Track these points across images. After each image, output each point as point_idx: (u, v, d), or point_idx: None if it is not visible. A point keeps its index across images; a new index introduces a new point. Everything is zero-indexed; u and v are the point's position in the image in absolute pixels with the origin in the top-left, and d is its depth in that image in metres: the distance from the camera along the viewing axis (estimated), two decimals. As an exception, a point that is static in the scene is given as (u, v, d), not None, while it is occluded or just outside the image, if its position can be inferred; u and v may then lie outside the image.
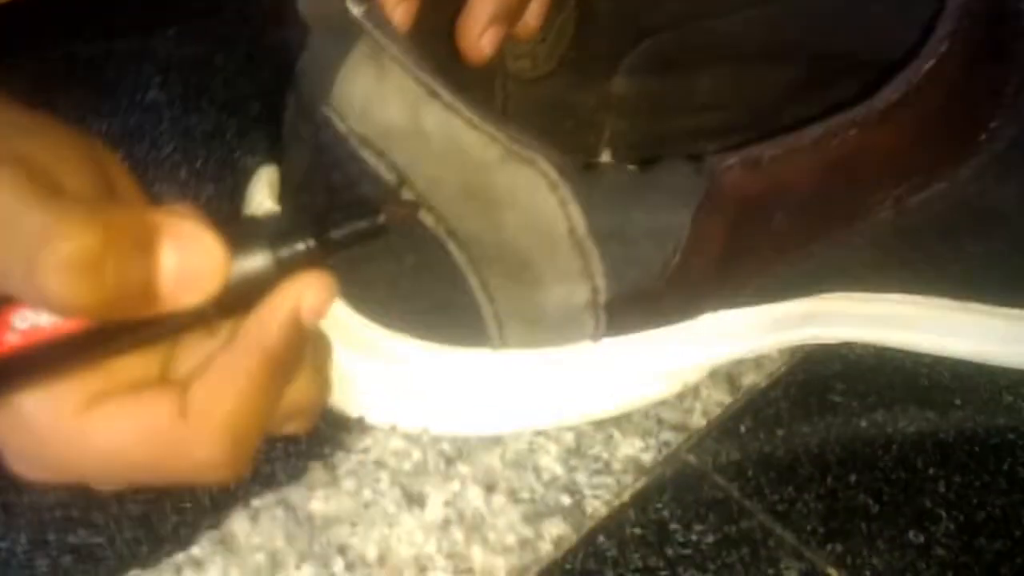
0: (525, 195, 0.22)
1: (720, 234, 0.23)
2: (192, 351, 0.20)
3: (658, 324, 0.25)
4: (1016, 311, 0.26)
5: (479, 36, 0.24)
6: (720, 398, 0.28)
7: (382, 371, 0.24)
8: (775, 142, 0.22)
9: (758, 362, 0.29)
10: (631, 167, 0.25)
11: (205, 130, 0.34)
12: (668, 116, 0.31)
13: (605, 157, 0.32)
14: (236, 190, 0.32)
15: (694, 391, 0.28)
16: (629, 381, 0.26)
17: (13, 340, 0.18)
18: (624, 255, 0.23)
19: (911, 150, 0.23)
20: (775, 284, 0.25)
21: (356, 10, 0.21)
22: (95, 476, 0.20)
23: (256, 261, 0.19)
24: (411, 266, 0.23)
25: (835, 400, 0.28)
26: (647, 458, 0.26)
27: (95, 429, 0.19)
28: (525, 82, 0.28)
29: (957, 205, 0.24)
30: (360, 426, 0.26)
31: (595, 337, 0.25)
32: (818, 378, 0.29)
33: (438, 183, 0.22)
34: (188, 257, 0.18)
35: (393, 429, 0.26)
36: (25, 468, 0.20)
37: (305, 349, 0.21)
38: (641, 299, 0.24)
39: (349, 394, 0.25)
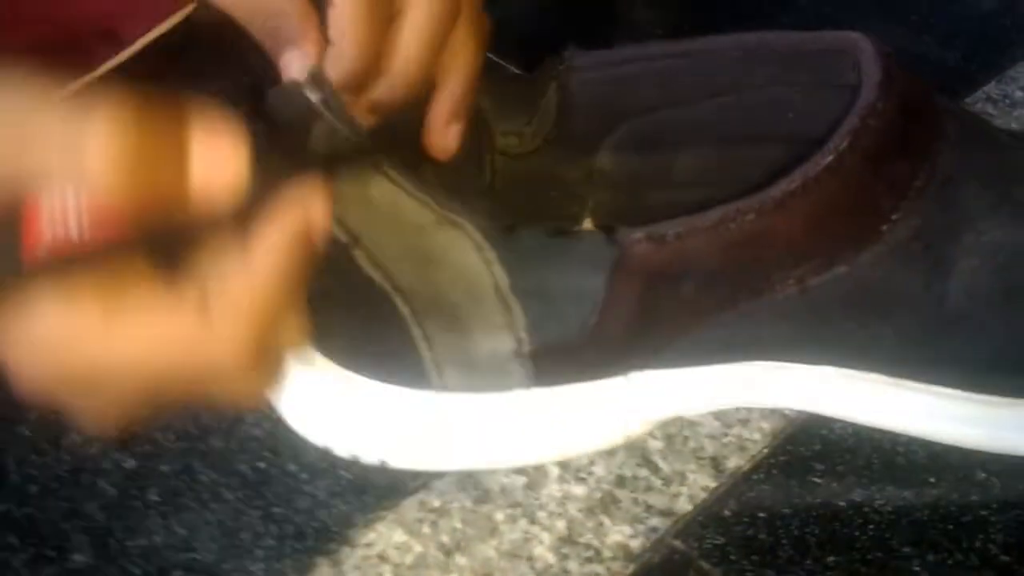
0: (454, 255, 0.25)
1: (633, 298, 0.25)
2: (214, 258, 0.21)
3: (588, 377, 0.27)
4: (943, 389, 0.27)
5: (443, 134, 0.27)
6: (705, 483, 0.29)
7: (344, 407, 0.27)
8: (678, 220, 0.25)
9: (741, 445, 0.30)
10: (551, 234, 0.26)
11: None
12: (648, 191, 0.32)
13: (587, 225, 0.34)
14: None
15: (680, 476, 0.30)
16: (567, 430, 0.28)
17: (41, 245, 0.19)
18: (544, 311, 0.26)
19: (808, 235, 0.25)
20: (694, 349, 0.27)
21: (313, 96, 0.24)
22: (115, 387, 0.21)
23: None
24: (364, 316, 0.26)
25: (815, 481, 0.29)
26: (635, 544, 0.28)
27: (118, 334, 0.20)
28: (513, 157, 0.31)
29: (859, 288, 0.25)
30: (364, 521, 0.27)
31: (526, 385, 0.27)
32: (799, 459, 0.29)
33: (383, 244, 0.25)
34: (215, 155, 0.19)
35: (396, 522, 0.27)
36: (39, 382, 0.20)
37: (307, 269, 0.21)
38: (564, 352, 0.26)
39: (316, 427, 0.28)
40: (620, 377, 0.27)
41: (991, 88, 0.47)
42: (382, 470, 0.29)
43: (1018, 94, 0.47)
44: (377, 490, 0.28)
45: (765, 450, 0.30)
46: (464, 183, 0.30)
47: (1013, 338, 0.26)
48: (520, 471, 0.29)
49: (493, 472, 0.29)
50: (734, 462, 0.29)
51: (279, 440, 0.29)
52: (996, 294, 0.25)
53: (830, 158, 0.24)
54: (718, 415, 0.30)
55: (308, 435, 0.28)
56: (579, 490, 0.29)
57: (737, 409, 0.30)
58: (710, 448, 0.30)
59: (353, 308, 0.26)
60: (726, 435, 0.30)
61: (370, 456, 0.28)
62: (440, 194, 0.25)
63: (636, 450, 0.30)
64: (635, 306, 0.25)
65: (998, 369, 0.26)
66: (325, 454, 0.29)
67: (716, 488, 0.29)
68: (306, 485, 0.28)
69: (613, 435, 0.28)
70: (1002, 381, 0.27)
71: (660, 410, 0.29)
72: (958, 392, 0.27)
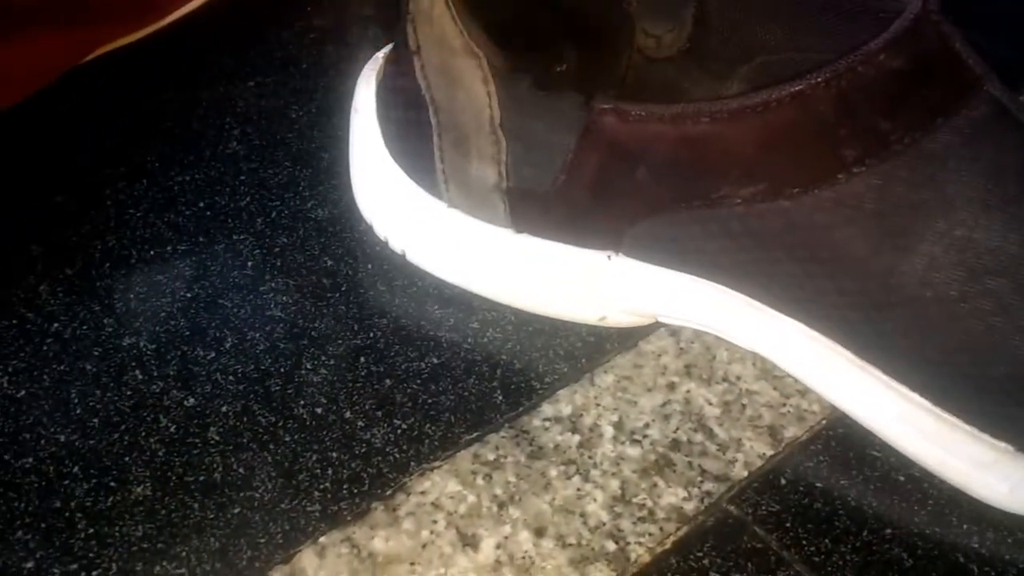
0: (468, 80, 0.28)
1: (595, 165, 0.27)
2: None
3: (565, 239, 0.29)
4: (905, 390, 0.26)
5: None
6: (762, 450, 0.29)
7: (385, 194, 0.32)
8: (643, 105, 0.26)
9: (800, 415, 0.30)
10: (541, 86, 0.29)
11: (280, 181, 0.37)
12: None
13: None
14: (307, 240, 0.34)
15: (736, 443, 0.29)
16: (546, 285, 0.30)
17: None
18: (523, 154, 0.28)
19: (759, 156, 0.24)
20: (653, 243, 0.28)
21: None
22: None
23: None
24: (410, 120, 0.30)
25: (874, 454, 0.29)
26: (690, 507, 0.28)
27: None
28: (648, 59, 0.33)
29: (801, 228, 0.25)
30: (419, 470, 0.28)
31: (507, 223, 0.30)
32: (857, 433, 0.29)
33: (431, 57, 0.29)
34: None
35: (450, 472, 0.28)
36: None
37: None
38: (536, 200, 0.28)
39: (365, 206, 0.33)
40: (601, 256, 0.29)
41: None
42: (434, 423, 0.29)
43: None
44: (432, 440, 0.28)
45: (824, 421, 0.29)
46: (601, 72, 0.33)
47: (965, 346, 0.25)
48: (574, 430, 0.29)
49: (547, 429, 0.29)
50: (792, 432, 0.29)
51: (336, 387, 0.30)
52: (952, 292, 0.24)
53: (798, 87, 0.24)
54: (776, 384, 0.30)
55: (361, 210, 0.34)
56: (633, 451, 0.29)
57: (796, 380, 0.30)
58: (767, 417, 0.30)
59: (406, 108, 0.30)
60: (784, 405, 0.30)
61: (396, 244, 0.32)
62: (474, 25, 0.28)
63: (692, 416, 0.30)
64: (596, 173, 0.27)
65: (945, 379, 0.25)
66: (378, 405, 0.29)
67: (773, 456, 0.29)
68: (362, 432, 0.28)
69: (591, 311, 0.31)
70: (956, 398, 0.25)
71: (638, 304, 0.30)
72: (916, 397, 0.26)
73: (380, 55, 0.34)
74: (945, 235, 0.24)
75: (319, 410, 0.29)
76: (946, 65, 0.24)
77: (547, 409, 0.29)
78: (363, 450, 0.28)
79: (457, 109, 0.29)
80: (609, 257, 0.29)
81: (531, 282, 0.31)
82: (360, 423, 0.29)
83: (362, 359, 0.31)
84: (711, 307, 0.29)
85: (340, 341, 0.31)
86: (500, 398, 0.30)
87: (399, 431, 0.29)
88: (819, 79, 0.24)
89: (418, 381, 0.30)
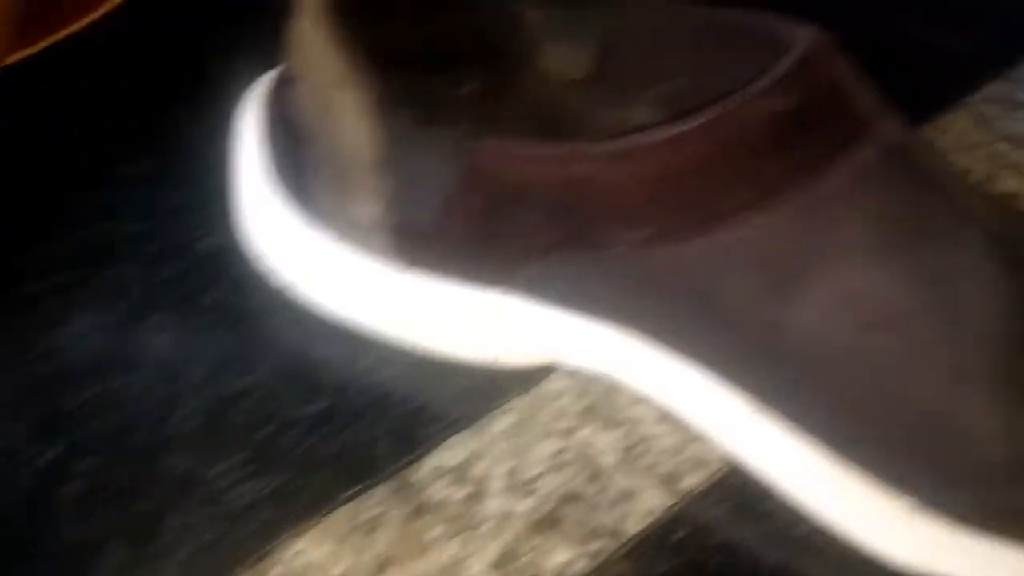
0: (348, 112, 0.26)
1: (478, 204, 0.25)
2: None
3: (455, 277, 0.28)
4: (807, 440, 0.25)
5: None
6: (659, 502, 0.28)
7: (271, 222, 0.30)
8: (525, 143, 0.25)
9: (700, 461, 0.29)
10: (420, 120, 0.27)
11: (171, 206, 0.35)
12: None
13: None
14: (194, 271, 0.32)
15: (631, 494, 0.28)
16: (438, 322, 0.29)
17: None
18: (405, 191, 0.27)
19: (640, 202, 0.23)
20: (543, 285, 0.27)
21: None
22: None
23: None
24: (290, 149, 0.29)
25: (774, 505, 0.28)
26: (579, 567, 0.26)
27: None
28: (554, 82, 0.31)
29: (688, 274, 0.24)
30: (291, 531, 0.26)
31: (393, 260, 0.28)
32: (758, 481, 0.28)
33: (310, 86, 0.28)
34: None
35: (325, 533, 0.26)
36: None
37: None
38: (419, 237, 0.27)
39: (251, 235, 0.31)
40: (495, 294, 0.28)
41: (992, 89, 0.45)
42: (310, 478, 0.27)
43: (1021, 95, 0.45)
44: (307, 497, 0.27)
45: (724, 468, 0.28)
46: (505, 93, 0.32)
47: (857, 399, 0.23)
48: (462, 481, 0.27)
49: (434, 481, 0.27)
50: (690, 480, 0.28)
51: (208, 438, 0.28)
52: (843, 344, 0.23)
53: (680, 130, 0.22)
54: (678, 427, 0.29)
55: (247, 240, 0.32)
56: (523, 505, 0.27)
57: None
58: (666, 464, 0.28)
59: (288, 137, 0.29)
60: (684, 450, 0.29)
61: (285, 277, 0.31)
62: (354, 55, 0.26)
63: (588, 464, 0.28)
64: (480, 212, 0.26)
65: (842, 431, 0.24)
66: (252, 458, 0.27)
67: (670, 508, 0.27)
68: (231, 490, 0.27)
69: (487, 350, 0.29)
70: (853, 450, 0.24)
71: (535, 344, 0.29)
72: (815, 448, 0.25)
73: (268, 76, 0.32)
74: (834, 285, 0.23)
75: (187, 465, 0.27)
76: (835, 107, 0.23)
77: (436, 458, 0.28)
78: (230, 510, 0.26)
79: (337, 142, 0.27)
80: (503, 296, 0.28)
81: (424, 320, 0.29)
82: (230, 479, 0.27)
83: (240, 405, 0.29)
84: (608, 350, 0.28)
85: (218, 385, 0.29)
86: (386, 447, 0.28)
87: (271, 488, 0.27)
88: (701, 122, 0.22)
89: (298, 429, 0.28)
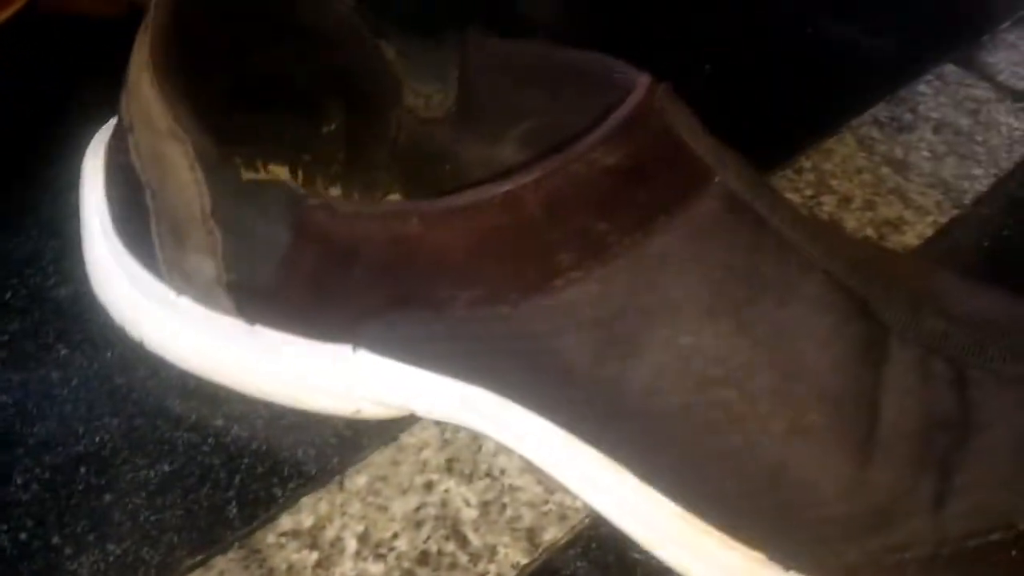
0: (178, 168, 0.25)
1: (310, 262, 0.25)
2: None
3: (302, 332, 0.27)
4: (667, 501, 0.24)
5: None
6: (518, 558, 0.27)
7: (120, 278, 0.29)
8: (353, 203, 0.25)
9: (562, 513, 0.28)
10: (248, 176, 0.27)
11: (23, 254, 0.33)
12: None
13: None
14: (43, 325, 0.31)
15: (491, 550, 0.27)
16: (290, 377, 0.28)
17: None
18: (240, 247, 0.26)
19: (470, 262, 0.23)
20: (386, 342, 0.26)
21: None
22: None
23: None
24: (130, 198, 0.28)
25: (635, 558, 0.27)
26: (432, 626, 0.25)
27: None
28: (419, 120, 0.31)
29: (524, 336, 0.23)
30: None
31: (236, 315, 0.27)
32: (619, 534, 0.27)
33: (142, 138, 0.26)
34: None
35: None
36: None
37: None
38: (257, 293, 0.26)
39: (101, 293, 0.30)
40: (345, 348, 0.27)
41: (879, 110, 0.46)
42: (155, 545, 0.26)
43: (907, 117, 0.45)
44: (148, 568, 0.25)
45: (586, 520, 0.27)
46: (370, 131, 0.32)
47: (698, 458, 0.23)
48: (313, 545, 0.26)
49: (283, 546, 0.26)
50: (551, 534, 0.27)
51: (48, 505, 0.27)
52: (681, 402, 0.22)
53: (506, 189, 0.22)
54: (541, 478, 0.28)
55: (95, 293, 0.30)
56: (376, 568, 0.26)
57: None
58: (528, 517, 0.27)
59: (126, 187, 0.28)
60: (547, 502, 0.28)
61: (133, 331, 0.29)
62: (180, 106, 0.25)
63: (447, 520, 0.27)
64: (312, 271, 0.25)
65: (689, 487, 0.24)
66: (94, 526, 0.26)
67: (529, 564, 0.26)
68: (68, 561, 0.25)
69: (344, 404, 0.28)
70: (702, 505, 0.24)
71: (390, 397, 0.28)
72: (667, 502, 0.24)
73: (110, 123, 0.30)
74: (670, 343, 0.22)
75: (23, 535, 0.26)
76: (670, 158, 0.22)
77: (286, 522, 0.27)
78: (65, 585, 0.25)
79: (169, 195, 0.26)
80: (353, 350, 0.27)
81: (277, 375, 0.28)
82: (68, 549, 0.26)
83: (82, 470, 0.27)
84: (461, 403, 0.27)
85: (61, 448, 0.28)
86: (235, 511, 0.27)
87: (111, 558, 0.26)
88: (528, 179, 0.22)
89: (143, 494, 0.27)
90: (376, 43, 0.31)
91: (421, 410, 0.28)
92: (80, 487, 0.27)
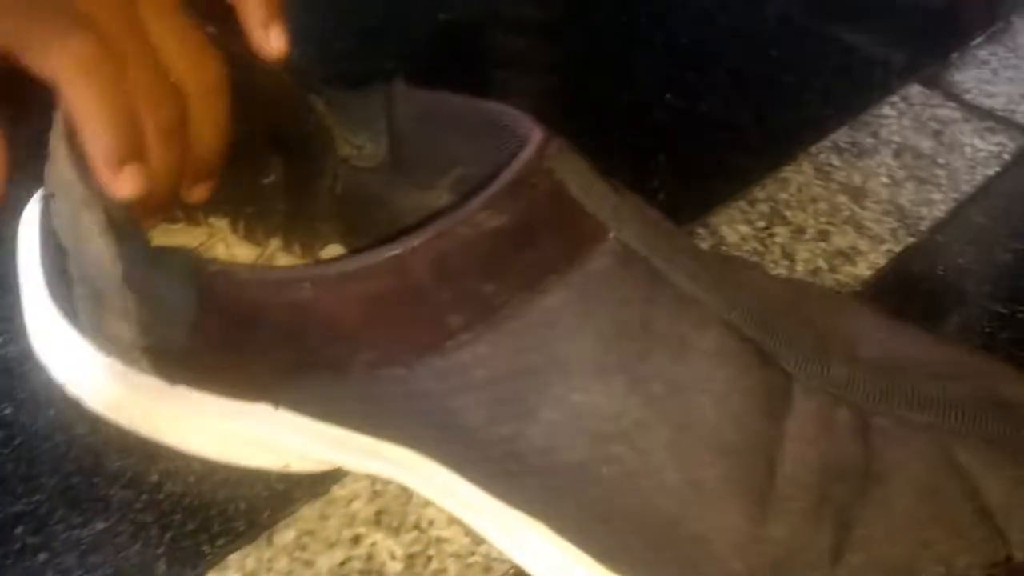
0: (92, 234, 0.26)
1: (216, 326, 0.25)
2: None
3: (213, 390, 0.27)
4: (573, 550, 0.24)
5: (266, 37, 0.28)
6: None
7: (57, 339, 0.30)
8: (252, 269, 0.25)
9: (487, 565, 0.27)
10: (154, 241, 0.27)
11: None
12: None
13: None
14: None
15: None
16: (215, 435, 0.28)
17: None
18: (153, 312, 0.26)
19: (364, 324, 0.23)
20: (303, 403, 0.26)
21: None
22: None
23: None
24: (56, 266, 0.28)
25: None
26: None
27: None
28: (352, 168, 0.32)
29: (421, 396, 0.23)
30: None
31: (158, 377, 0.27)
32: None
33: (60, 210, 0.27)
34: None
35: None
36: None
37: None
38: (173, 357, 0.27)
39: (43, 354, 0.30)
40: (267, 406, 0.27)
41: (840, 134, 0.45)
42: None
43: (868, 141, 0.45)
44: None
45: (512, 570, 0.27)
46: (308, 180, 0.32)
47: (596, 513, 0.23)
48: (238, 602, 0.27)
49: (208, 604, 0.27)
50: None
51: (-19, 568, 0.27)
52: (576, 459, 0.22)
53: (394, 252, 0.22)
54: (468, 531, 0.28)
55: (36, 352, 0.30)
56: (298, 624, 0.26)
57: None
58: (453, 569, 0.28)
59: (53, 253, 0.28)
60: (473, 554, 0.28)
61: (72, 390, 0.30)
62: (86, 172, 0.25)
63: (372, 574, 0.27)
64: (219, 335, 0.25)
65: (593, 539, 0.24)
66: None
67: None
68: (-3, 624, 0.26)
69: (272, 459, 0.29)
70: (609, 557, 0.24)
71: (315, 453, 0.28)
72: (579, 552, 0.24)
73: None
74: (562, 401, 0.22)
75: (-48, 595, 0.27)
76: (560, 217, 0.22)
77: (238, 567, 0.27)
78: (-9, 649, 0.26)
79: (88, 262, 0.27)
80: (275, 407, 0.27)
81: (205, 432, 0.29)
82: (-2, 613, 0.26)
83: (19, 529, 0.28)
84: (381, 459, 0.27)
85: (0, 508, 0.29)
86: (163, 568, 0.27)
87: (37, 618, 0.26)
88: (416, 243, 0.22)
89: (76, 553, 0.27)
90: (306, 97, 0.31)
91: (346, 465, 0.28)
92: (16, 547, 0.28)
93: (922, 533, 0.22)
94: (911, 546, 0.22)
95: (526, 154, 0.23)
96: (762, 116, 0.46)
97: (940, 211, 0.40)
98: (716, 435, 0.22)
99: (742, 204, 0.41)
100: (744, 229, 0.39)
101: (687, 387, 0.22)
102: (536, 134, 0.23)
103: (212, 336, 0.25)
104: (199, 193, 0.30)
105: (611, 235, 0.23)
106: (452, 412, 0.23)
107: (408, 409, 0.24)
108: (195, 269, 0.24)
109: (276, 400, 0.27)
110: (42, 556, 0.27)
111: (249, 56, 0.30)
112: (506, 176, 0.22)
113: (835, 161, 0.43)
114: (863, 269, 0.38)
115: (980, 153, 0.44)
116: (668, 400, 0.22)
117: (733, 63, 0.49)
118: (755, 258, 0.38)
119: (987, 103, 0.47)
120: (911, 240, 0.39)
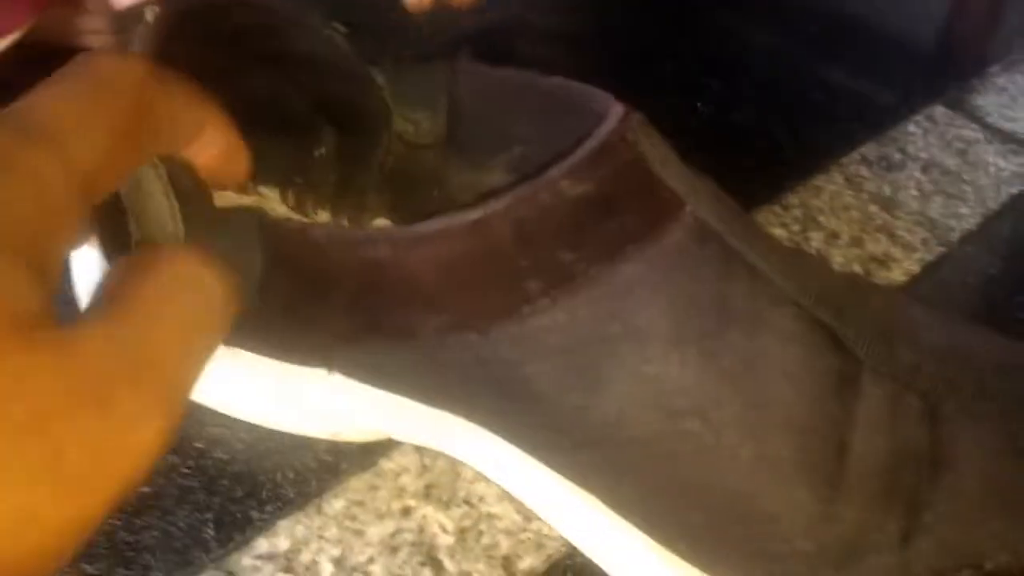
0: (154, 194, 0.25)
1: (284, 288, 0.24)
2: None
3: (267, 353, 0.27)
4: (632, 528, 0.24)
5: None
6: (493, 584, 0.27)
7: None
8: (326, 228, 0.25)
9: (539, 542, 0.28)
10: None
11: None
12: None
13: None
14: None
15: None
16: (271, 399, 0.28)
17: None
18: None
19: (439, 287, 0.23)
20: (356, 368, 0.26)
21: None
22: None
23: None
24: (116, 229, 0.26)
25: None
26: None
27: None
28: (409, 145, 0.32)
29: (492, 362, 0.23)
30: None
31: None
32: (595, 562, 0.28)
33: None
34: None
35: None
36: None
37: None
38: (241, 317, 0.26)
39: None
40: (321, 372, 0.27)
41: (868, 149, 0.46)
42: (132, 563, 0.26)
43: (896, 156, 0.46)
44: (122, 588, 0.26)
45: (563, 548, 0.27)
46: (360, 155, 0.32)
47: (663, 488, 0.23)
48: (288, 569, 0.26)
49: (258, 569, 0.26)
50: (528, 562, 0.27)
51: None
52: (647, 433, 0.22)
53: (476, 215, 0.22)
54: (519, 507, 0.28)
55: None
56: (349, 593, 0.26)
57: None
58: (504, 545, 0.28)
59: (105, 211, 0.26)
60: (524, 530, 0.28)
61: None
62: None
63: (423, 546, 0.27)
64: (286, 297, 0.25)
65: (656, 516, 0.24)
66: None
67: (504, 592, 0.27)
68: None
69: (322, 426, 0.29)
70: (670, 536, 0.24)
71: (366, 421, 0.28)
72: (638, 532, 0.24)
73: None
74: (636, 373, 0.22)
75: (-1, 554, 0.26)
76: (640, 188, 0.23)
77: (262, 544, 0.27)
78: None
79: (149, 221, 0.26)
80: (328, 372, 0.27)
81: (255, 396, 0.28)
82: (43, 569, 0.26)
83: (63, 489, 0.28)
84: (436, 430, 0.27)
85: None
86: (211, 533, 0.27)
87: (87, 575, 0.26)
88: (497, 207, 0.22)
89: (120, 515, 0.27)
90: (367, 69, 0.31)
91: (397, 435, 0.28)
92: (59, 506, 0.27)
93: (990, 521, 0.22)
94: (979, 533, 0.22)
95: (608, 125, 0.23)
96: (793, 127, 0.47)
97: (969, 224, 0.41)
98: (788, 414, 0.22)
99: (776, 208, 0.41)
100: (780, 232, 0.40)
101: (760, 364, 0.22)
102: (617, 108, 0.24)
103: (278, 298, 0.25)
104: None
105: (687, 209, 0.23)
106: (523, 380, 0.23)
107: (475, 376, 0.24)
108: (264, 228, 0.24)
109: (331, 364, 0.26)
110: (87, 515, 0.27)
111: (303, 23, 0.30)
112: (587, 147, 0.23)
113: (865, 172, 0.44)
114: (898, 275, 0.38)
115: (1004, 172, 0.45)
116: (742, 377, 0.22)
117: (762, 75, 0.50)
118: (790, 261, 0.39)
119: (1008, 126, 0.48)
120: (942, 250, 0.40)
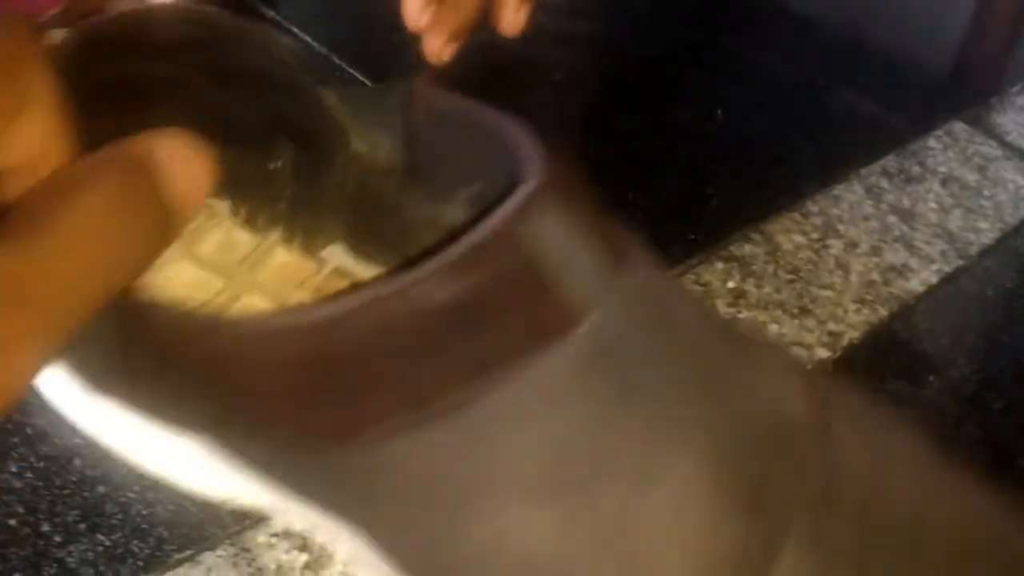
0: None
1: (144, 366, 0.20)
2: None
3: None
4: None
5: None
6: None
7: None
8: (173, 309, 0.20)
9: None
10: None
11: None
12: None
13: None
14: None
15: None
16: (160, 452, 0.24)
17: None
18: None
19: (277, 392, 0.19)
20: (222, 450, 0.22)
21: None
22: None
23: None
24: None
25: None
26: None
27: None
28: (366, 168, 0.29)
29: (338, 483, 0.19)
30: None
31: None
32: None
33: None
34: None
35: None
36: None
37: None
38: (103, 376, 0.22)
39: None
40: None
41: (888, 161, 0.46)
42: (147, 536, 0.26)
43: (915, 169, 0.46)
44: (136, 560, 0.25)
45: None
46: (317, 172, 0.28)
47: None
48: (303, 547, 0.26)
49: (272, 546, 0.26)
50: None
51: (40, 493, 0.26)
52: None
53: (309, 318, 0.18)
54: None
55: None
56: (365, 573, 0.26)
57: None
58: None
59: None
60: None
61: None
62: None
63: None
64: (144, 374, 0.21)
65: None
66: (85, 516, 0.26)
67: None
68: (57, 549, 0.25)
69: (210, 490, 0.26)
70: None
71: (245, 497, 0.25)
72: None
73: None
74: (491, 525, 0.18)
75: (13, 521, 0.26)
76: (525, 297, 0.18)
77: (278, 522, 0.27)
78: (53, 571, 0.25)
79: None
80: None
81: (147, 447, 0.26)
82: (57, 538, 0.26)
83: (77, 461, 0.27)
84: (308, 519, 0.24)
85: (57, 440, 0.28)
86: (226, 509, 0.27)
87: (100, 548, 0.25)
88: (342, 308, 0.18)
89: (136, 488, 0.27)
90: (314, 89, 0.30)
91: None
92: (74, 478, 0.27)
93: None
94: None
95: (503, 209, 0.18)
96: (813, 137, 0.47)
97: (987, 238, 0.41)
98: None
99: (796, 215, 0.41)
100: (799, 239, 0.40)
101: (645, 530, 0.18)
102: (531, 176, 0.19)
103: (136, 373, 0.21)
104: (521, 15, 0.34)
105: (588, 324, 0.18)
106: (376, 497, 0.19)
107: (330, 480, 0.20)
108: (119, 309, 0.21)
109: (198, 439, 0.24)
110: (101, 489, 0.27)
111: (247, 37, 0.27)
112: (468, 239, 0.18)
113: (885, 184, 0.44)
114: (916, 285, 0.38)
115: (1023, 190, 0.45)
116: (617, 541, 0.18)
117: (783, 85, 0.50)
118: (809, 267, 0.39)
119: (1027, 145, 0.48)
120: (961, 262, 0.40)
